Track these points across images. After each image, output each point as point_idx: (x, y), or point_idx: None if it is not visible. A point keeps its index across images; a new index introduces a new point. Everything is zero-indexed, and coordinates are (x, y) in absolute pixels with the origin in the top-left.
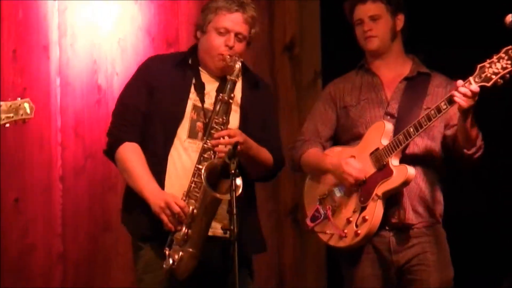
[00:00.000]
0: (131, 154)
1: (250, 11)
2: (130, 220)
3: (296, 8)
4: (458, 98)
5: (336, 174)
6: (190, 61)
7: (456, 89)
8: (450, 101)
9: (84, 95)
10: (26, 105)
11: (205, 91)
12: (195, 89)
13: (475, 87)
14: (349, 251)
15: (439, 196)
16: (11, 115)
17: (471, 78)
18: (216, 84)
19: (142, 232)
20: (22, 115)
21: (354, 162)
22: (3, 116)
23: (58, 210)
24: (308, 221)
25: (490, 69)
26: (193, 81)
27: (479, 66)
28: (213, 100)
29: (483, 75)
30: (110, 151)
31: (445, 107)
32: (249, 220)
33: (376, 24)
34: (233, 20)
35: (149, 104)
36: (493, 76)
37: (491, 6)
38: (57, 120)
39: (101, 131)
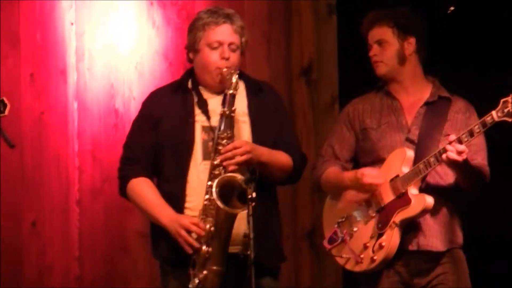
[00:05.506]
0: (141, 187)
1: (237, 21)
2: (157, 248)
3: (313, 30)
4: (447, 154)
5: (355, 187)
6: (189, 84)
7: (449, 143)
8: (472, 133)
9: (101, 119)
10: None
11: (209, 108)
12: (199, 107)
13: (462, 147)
14: (367, 274)
15: (460, 222)
16: None
17: (493, 112)
18: (219, 100)
19: (167, 257)
20: None
21: (369, 170)
22: None
23: (75, 233)
24: (325, 243)
25: None
26: (195, 99)
27: (502, 100)
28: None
29: (505, 110)
30: (122, 191)
31: (466, 139)
32: (269, 229)
33: (382, 49)
34: (224, 32)
35: (155, 136)
36: None
37: None
38: (75, 144)
39: (118, 155)
